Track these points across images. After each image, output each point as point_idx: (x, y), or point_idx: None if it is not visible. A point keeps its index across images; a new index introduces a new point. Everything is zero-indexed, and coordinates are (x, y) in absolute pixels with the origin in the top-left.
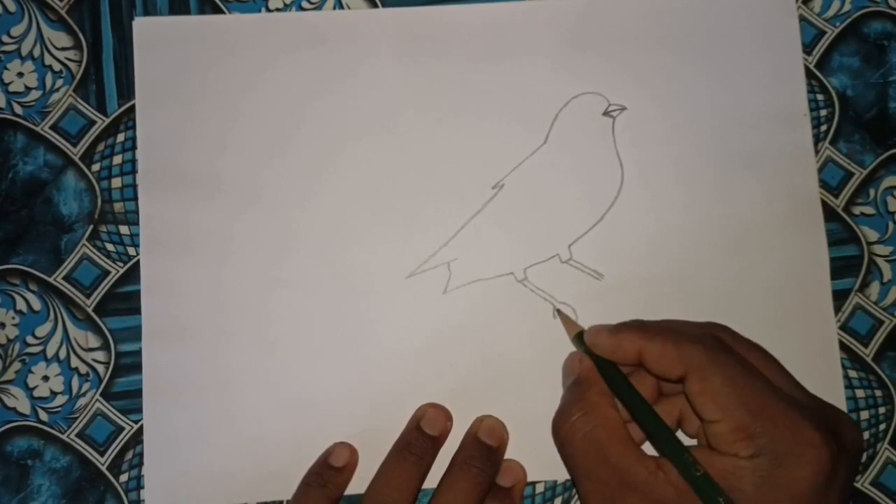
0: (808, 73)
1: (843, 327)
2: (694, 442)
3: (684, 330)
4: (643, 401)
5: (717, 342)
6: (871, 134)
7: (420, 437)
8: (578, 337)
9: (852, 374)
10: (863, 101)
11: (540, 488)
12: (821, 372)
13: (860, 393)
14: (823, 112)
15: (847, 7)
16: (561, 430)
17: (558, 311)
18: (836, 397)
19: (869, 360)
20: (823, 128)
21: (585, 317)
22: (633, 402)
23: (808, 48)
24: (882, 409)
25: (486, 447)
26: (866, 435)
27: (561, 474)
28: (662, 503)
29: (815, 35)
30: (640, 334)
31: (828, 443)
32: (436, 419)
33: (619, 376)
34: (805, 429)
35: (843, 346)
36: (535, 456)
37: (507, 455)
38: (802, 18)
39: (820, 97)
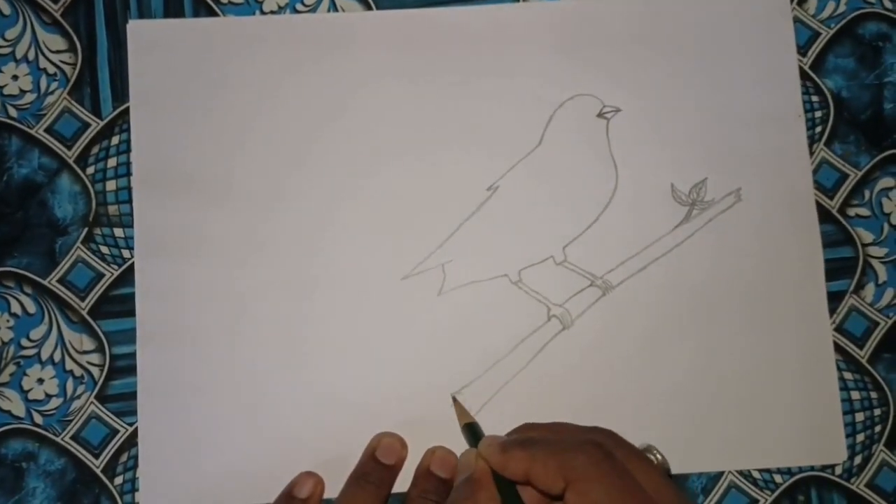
0: (803, 75)
1: (838, 329)
2: None
3: (567, 439)
4: None
5: (598, 450)
6: (866, 135)
7: (376, 467)
8: (467, 427)
9: (847, 375)
10: (858, 102)
11: None
12: (815, 374)
13: (855, 395)
14: (818, 113)
15: (842, 8)
16: None
17: (453, 397)
18: (831, 399)
19: (864, 361)
20: (818, 129)
21: (580, 319)
22: None
23: (802, 49)
24: (877, 411)
25: (439, 480)
26: (861, 437)
27: None
28: None
29: (810, 36)
30: (525, 453)
31: None
32: (391, 448)
33: (509, 486)
34: None
35: (838, 348)
36: None
37: None
38: (797, 20)
39: (815, 98)
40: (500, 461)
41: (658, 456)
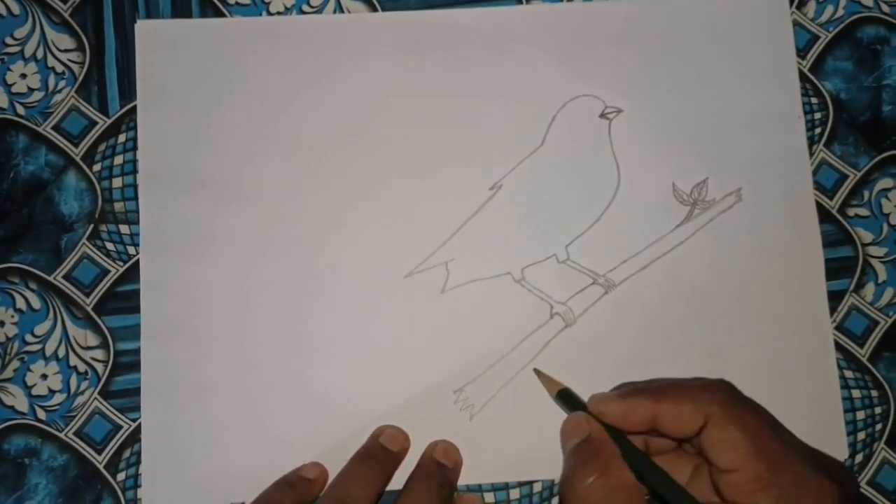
0: (803, 77)
1: (839, 328)
2: None
3: (686, 383)
4: (655, 465)
5: (730, 390)
6: (864, 137)
7: (381, 449)
8: (561, 395)
9: (848, 374)
10: (856, 104)
11: (537, 487)
12: (817, 372)
13: (856, 393)
14: (818, 115)
15: (840, 12)
16: (573, 493)
17: (536, 370)
18: (832, 398)
19: (864, 360)
20: (818, 130)
21: (583, 317)
22: (645, 466)
23: (802, 52)
24: (878, 410)
25: (442, 466)
26: (862, 435)
27: (557, 474)
28: None
29: (809, 39)
30: (649, 397)
31: (837, 493)
32: (395, 436)
33: (626, 441)
34: (819, 480)
35: (839, 347)
36: (529, 454)
37: (506, 453)
38: (796, 23)
39: (814, 100)
40: (622, 410)
41: None
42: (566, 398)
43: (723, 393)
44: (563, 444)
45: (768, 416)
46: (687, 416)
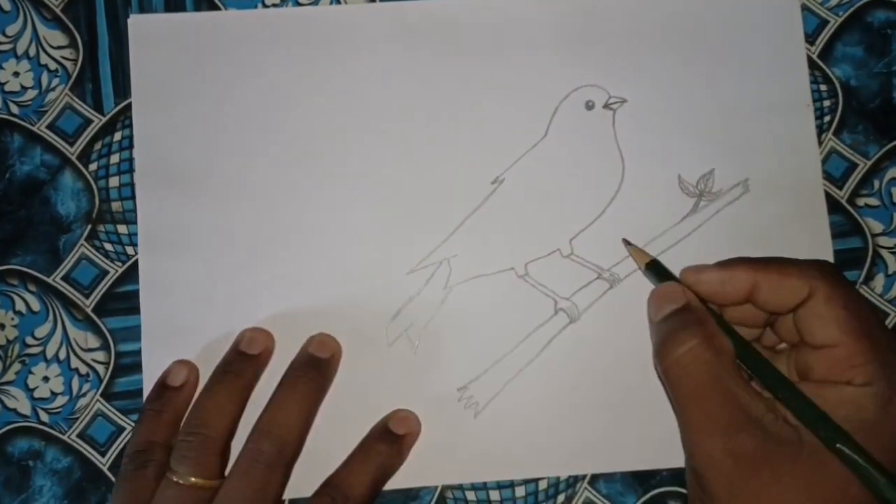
0: (811, 64)
1: None
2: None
3: (793, 259)
4: (747, 342)
5: (832, 268)
6: (875, 125)
7: (239, 357)
8: (650, 267)
9: None
10: (866, 91)
11: (543, 485)
12: None
13: None
14: (827, 102)
15: None
16: (673, 358)
17: (624, 240)
18: None
19: None
20: (827, 118)
21: (588, 312)
22: (739, 341)
23: (810, 38)
24: None
25: (316, 360)
26: None
27: (562, 471)
28: (782, 442)
29: (818, 24)
30: (751, 266)
31: None
32: (254, 339)
33: (720, 316)
34: None
35: None
36: (535, 451)
37: (511, 451)
38: (805, 8)
39: (823, 87)
40: (721, 278)
41: None
42: (656, 270)
43: (826, 269)
44: (653, 313)
45: (867, 300)
46: (791, 286)
